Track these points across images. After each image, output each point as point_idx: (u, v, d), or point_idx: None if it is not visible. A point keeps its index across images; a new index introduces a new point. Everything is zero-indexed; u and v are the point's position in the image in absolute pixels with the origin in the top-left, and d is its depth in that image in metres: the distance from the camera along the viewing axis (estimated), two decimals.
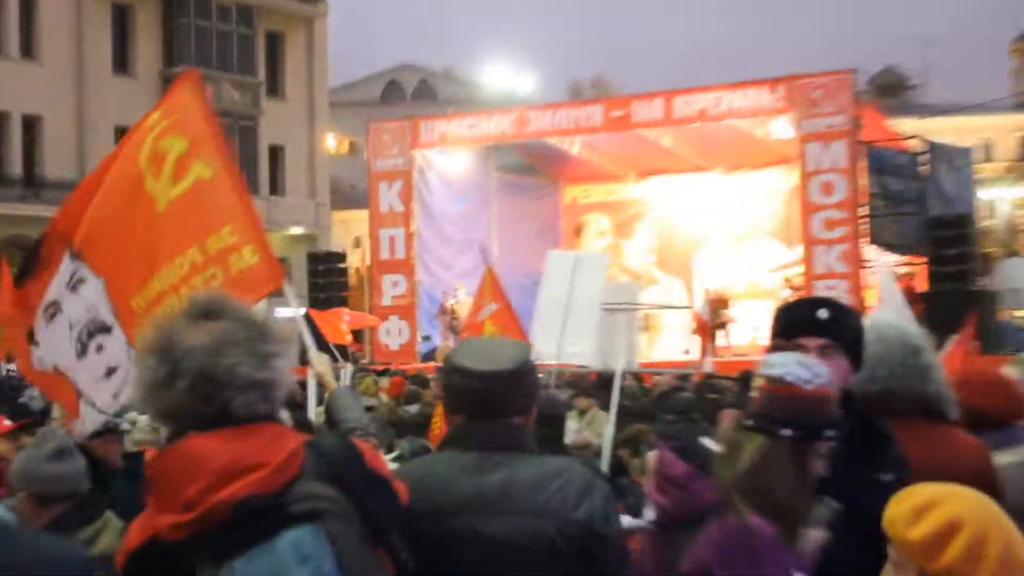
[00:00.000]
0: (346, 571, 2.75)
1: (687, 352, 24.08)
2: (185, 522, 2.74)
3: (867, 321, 4.39)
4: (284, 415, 3.06)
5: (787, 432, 3.35)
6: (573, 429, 9.32)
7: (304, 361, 5.39)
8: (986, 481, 3.52)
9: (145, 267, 5.57)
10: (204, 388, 2.82)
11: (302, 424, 5.93)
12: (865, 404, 4.01)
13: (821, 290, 25.02)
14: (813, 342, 3.75)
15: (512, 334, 11.67)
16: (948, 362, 11.92)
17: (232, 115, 45.96)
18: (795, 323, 3.85)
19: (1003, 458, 4.24)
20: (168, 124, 5.81)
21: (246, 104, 47.09)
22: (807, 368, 3.45)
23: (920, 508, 2.49)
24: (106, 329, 5.65)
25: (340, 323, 22.17)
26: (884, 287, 14.36)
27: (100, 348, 5.65)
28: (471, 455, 3.42)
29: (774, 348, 3.78)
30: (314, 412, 9.48)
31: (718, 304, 27.69)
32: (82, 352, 5.63)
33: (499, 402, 3.43)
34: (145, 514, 2.85)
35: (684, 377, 19.62)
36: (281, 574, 2.69)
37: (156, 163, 5.72)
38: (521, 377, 3.45)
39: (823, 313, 3.81)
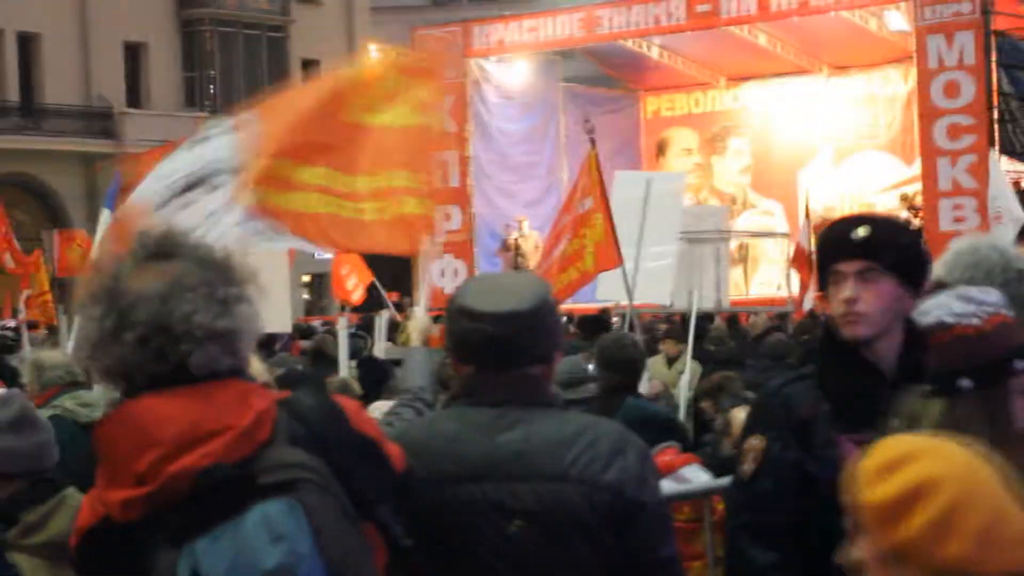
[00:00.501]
0: (325, 550, 2.72)
1: (779, 288, 23.92)
2: (138, 498, 2.72)
3: (961, 242, 4.32)
4: (257, 367, 3.04)
5: (965, 384, 3.21)
6: (646, 379, 9.27)
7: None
8: None
9: (318, 152, 6.28)
10: (156, 341, 2.78)
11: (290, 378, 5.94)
12: None
13: (946, 210, 24.75)
14: (850, 266, 3.68)
15: (603, 251, 11.57)
16: None
17: (258, 26, 46.08)
18: (830, 246, 3.79)
19: None
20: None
21: (274, 12, 47.15)
22: (968, 301, 3.32)
23: (888, 464, 2.28)
24: (211, 186, 6.22)
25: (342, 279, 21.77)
26: (1000, 200, 14.14)
27: (186, 205, 6.18)
28: (482, 411, 3.38)
29: (818, 277, 3.70)
30: (346, 367, 9.55)
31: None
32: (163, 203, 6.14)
33: (515, 349, 3.37)
34: (95, 489, 2.84)
35: (783, 316, 19.55)
36: (250, 555, 2.66)
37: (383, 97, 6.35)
38: (540, 319, 3.39)
39: (860, 232, 3.71)
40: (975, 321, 3.27)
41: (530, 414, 3.37)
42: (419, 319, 5.19)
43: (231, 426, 2.76)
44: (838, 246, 3.74)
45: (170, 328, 2.79)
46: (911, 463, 2.21)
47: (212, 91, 45.09)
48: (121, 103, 43.38)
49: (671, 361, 13.51)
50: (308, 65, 48.00)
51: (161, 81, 44.63)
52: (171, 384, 2.79)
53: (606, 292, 14.13)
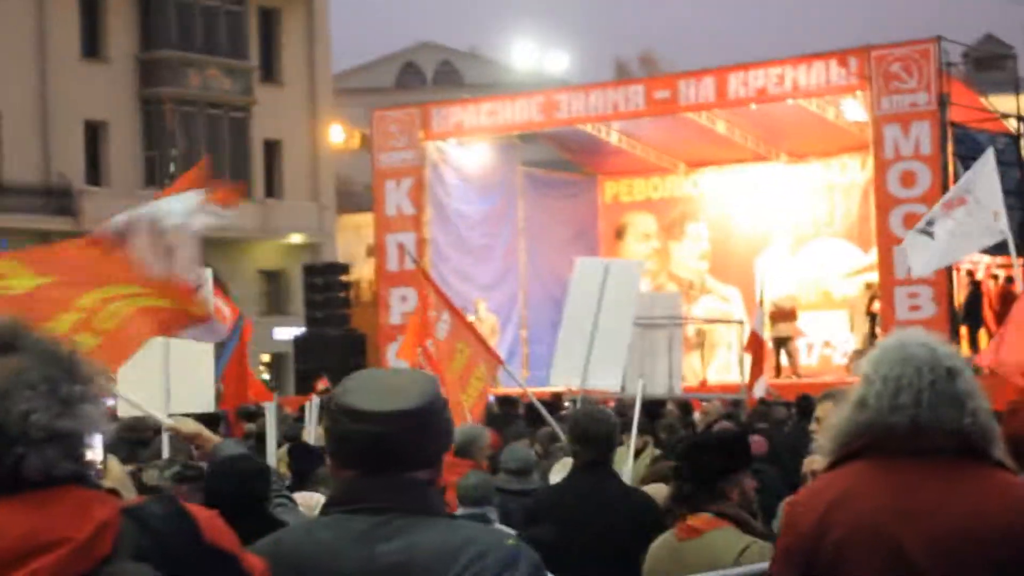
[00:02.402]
0: None
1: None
2: None
3: (888, 338, 4.16)
4: (116, 471, 2.78)
5: None
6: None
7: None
8: None
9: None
10: None
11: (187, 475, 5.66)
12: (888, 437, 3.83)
13: (901, 298, 24.73)
14: None
15: (487, 355, 11.37)
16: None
17: (221, 105, 46.03)
18: None
19: None
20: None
21: (237, 92, 47.14)
22: None
23: None
24: None
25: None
26: (984, 182, 13.85)
27: None
28: (362, 520, 3.14)
29: None
30: (274, 454, 9.28)
31: (781, 316, 27.39)
32: None
33: (400, 452, 3.14)
34: None
35: (737, 403, 19.40)
36: None
37: None
38: (428, 419, 3.17)
39: None
40: None
41: (413, 523, 3.14)
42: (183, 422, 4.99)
43: (69, 538, 2.52)
44: None
45: (4, 428, 2.56)
46: None
47: (172, 170, 44.91)
48: (81, 181, 43.20)
49: (637, 454, 13.28)
50: (270, 145, 47.99)
51: (121, 159, 44.48)
52: (5, 491, 2.56)
53: (559, 377, 13.96)
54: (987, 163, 14.15)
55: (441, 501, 3.25)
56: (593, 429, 7.16)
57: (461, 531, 3.17)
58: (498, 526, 6.74)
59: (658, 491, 8.47)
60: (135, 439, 12.12)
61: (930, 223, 13.95)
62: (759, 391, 19.09)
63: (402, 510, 3.15)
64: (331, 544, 3.14)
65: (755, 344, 21.28)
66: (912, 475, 3.85)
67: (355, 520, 3.15)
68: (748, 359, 21.35)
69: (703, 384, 27.88)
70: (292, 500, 6.29)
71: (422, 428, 3.17)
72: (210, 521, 2.73)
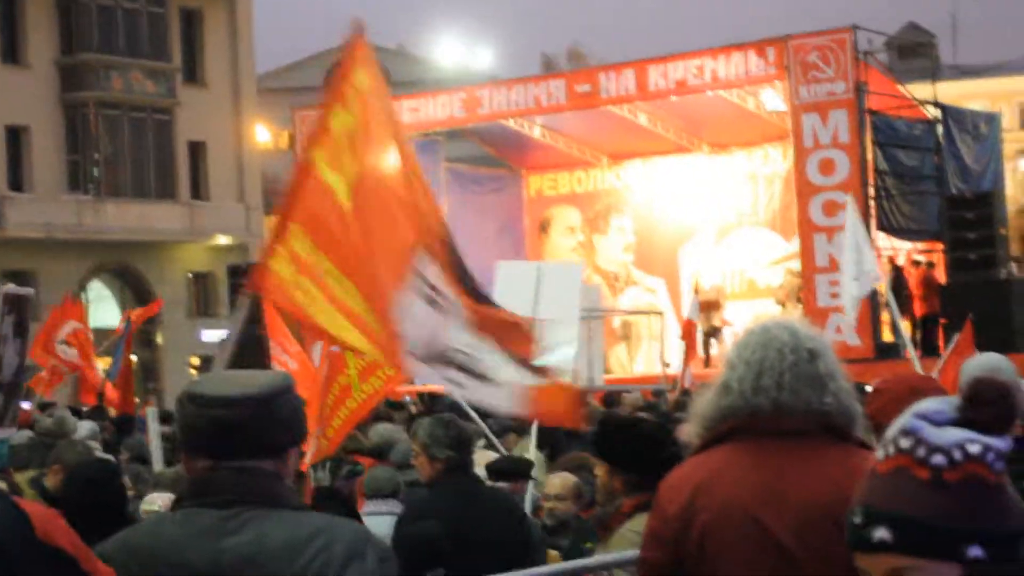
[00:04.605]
0: None
1: (667, 365, 23.88)
2: None
3: (753, 323, 4.19)
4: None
5: None
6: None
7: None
8: None
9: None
10: None
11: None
12: (751, 420, 3.87)
13: (822, 286, 24.87)
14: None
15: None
16: (946, 367, 11.71)
17: (144, 108, 45.66)
18: None
19: None
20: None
21: (160, 94, 46.76)
22: None
23: None
24: None
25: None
26: (847, 242, 13.98)
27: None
28: (210, 514, 3.13)
29: None
30: (159, 458, 9.08)
31: (708, 307, 27.49)
32: None
33: (243, 438, 3.13)
34: None
35: (659, 394, 19.45)
36: None
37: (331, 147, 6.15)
38: (274, 407, 3.16)
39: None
40: None
41: (261, 515, 3.13)
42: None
43: None
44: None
45: None
46: None
47: (96, 174, 44.55)
48: (3, 186, 42.75)
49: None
50: (195, 146, 47.67)
51: (44, 164, 44.00)
52: None
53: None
54: (848, 222, 14.29)
55: (291, 493, 3.24)
56: (448, 434, 7.13)
57: (309, 522, 3.16)
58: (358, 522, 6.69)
59: (564, 481, 8.49)
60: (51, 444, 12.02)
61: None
62: (687, 380, 19.13)
63: (250, 503, 3.14)
64: (178, 539, 3.12)
65: (689, 332, 21.37)
66: (776, 456, 3.87)
67: (203, 514, 3.14)
68: (681, 348, 21.41)
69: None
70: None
71: (265, 415, 3.16)
72: (45, 519, 2.69)
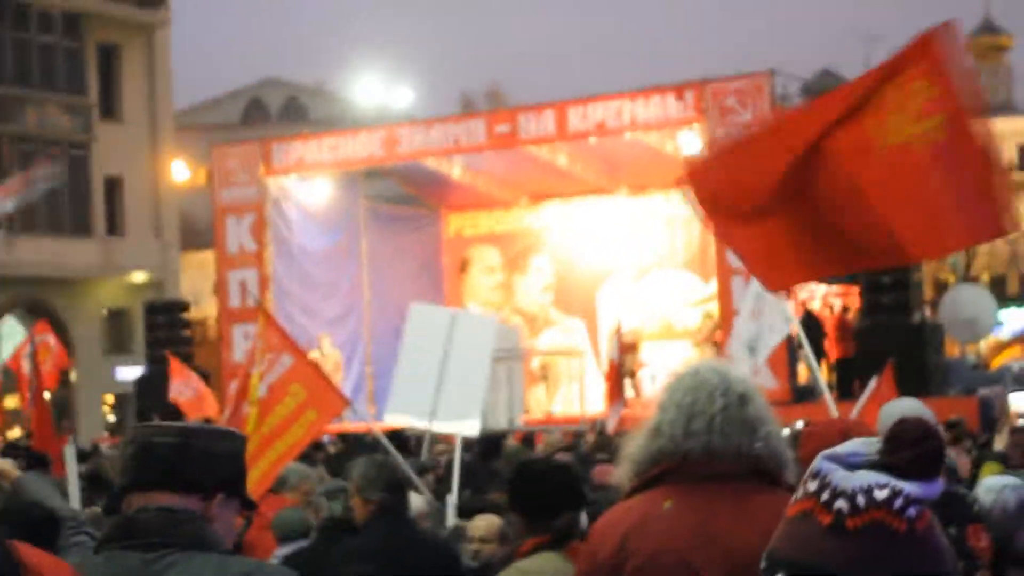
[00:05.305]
0: None
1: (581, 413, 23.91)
2: None
3: (683, 365, 4.19)
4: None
5: None
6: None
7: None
8: None
9: None
10: None
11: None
12: (683, 463, 3.86)
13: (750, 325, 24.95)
14: None
15: (325, 398, 11.19)
16: (864, 411, 11.79)
17: (59, 143, 45.21)
18: None
19: None
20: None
21: (76, 129, 46.31)
22: None
23: None
24: None
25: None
26: (759, 288, 14.06)
27: None
28: (135, 556, 3.11)
29: None
30: (76, 499, 8.95)
31: (624, 349, 27.54)
32: None
33: (163, 468, 3.17)
34: None
35: (579, 435, 19.44)
36: None
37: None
38: (194, 441, 3.21)
39: None
40: None
41: (187, 557, 3.10)
42: None
43: None
44: None
45: None
46: None
47: (10, 208, 43.99)
48: None
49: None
50: (111, 182, 47.25)
51: None
52: None
53: (396, 415, 13.72)
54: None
55: (217, 537, 3.19)
56: (381, 475, 7.07)
57: (237, 566, 3.13)
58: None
59: (489, 523, 8.45)
60: None
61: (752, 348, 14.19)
62: (611, 424, 19.08)
63: (176, 545, 3.11)
64: None
65: (613, 373, 21.37)
66: (707, 500, 3.88)
67: (129, 556, 3.11)
68: (603, 390, 21.41)
69: (548, 417, 27.94)
70: (93, 537, 6.19)
71: (185, 448, 3.19)
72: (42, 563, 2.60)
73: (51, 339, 20.62)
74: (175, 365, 22.92)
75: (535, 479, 5.59)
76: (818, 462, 2.21)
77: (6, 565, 2.55)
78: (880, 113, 6.35)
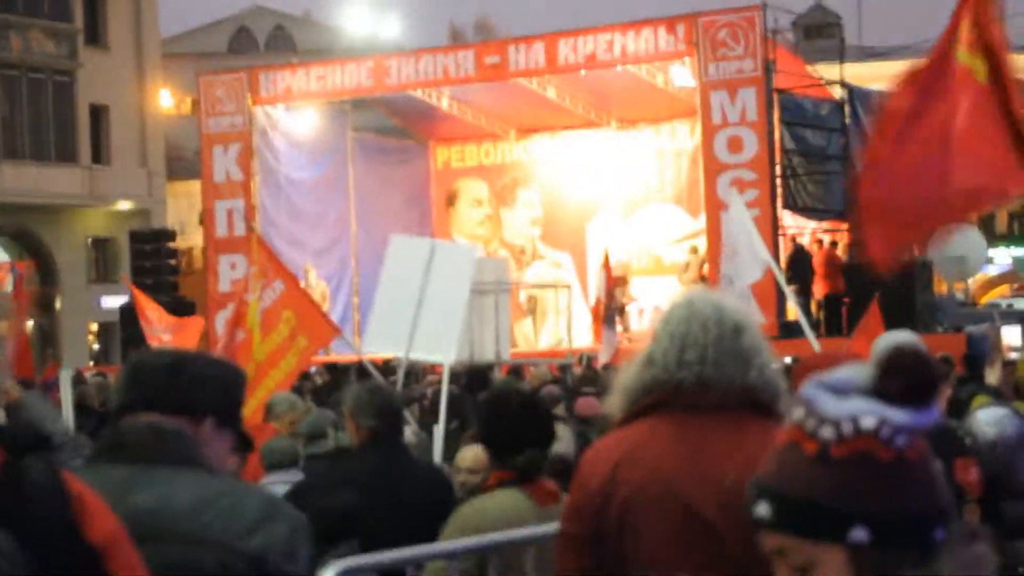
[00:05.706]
0: None
1: (559, 342, 23.95)
2: None
3: (677, 295, 4.16)
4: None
5: None
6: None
7: None
8: None
9: None
10: None
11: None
12: (675, 393, 3.82)
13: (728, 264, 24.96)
14: None
15: (316, 326, 11.19)
16: (854, 345, 11.81)
17: (44, 70, 44.94)
18: None
19: None
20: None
21: (61, 56, 46.01)
22: None
23: None
24: None
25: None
26: (735, 228, 14.06)
27: None
28: (122, 469, 3.16)
29: None
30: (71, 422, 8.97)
31: (617, 282, 27.57)
32: None
33: (158, 393, 3.23)
34: None
35: (565, 368, 19.46)
36: None
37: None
38: (184, 365, 3.30)
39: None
40: None
41: (172, 473, 3.16)
42: None
43: None
44: None
45: None
46: None
47: None
48: None
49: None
50: (97, 110, 47.00)
51: None
52: None
53: (373, 345, 13.70)
54: (735, 209, 14.41)
55: (205, 456, 3.24)
56: (373, 401, 7.04)
57: (219, 483, 3.20)
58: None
59: (476, 454, 8.44)
60: None
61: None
62: (603, 357, 19.11)
63: (163, 461, 3.17)
64: None
65: (600, 307, 21.41)
66: (699, 431, 3.85)
67: (115, 469, 3.16)
68: (589, 324, 21.45)
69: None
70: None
71: (177, 370, 3.27)
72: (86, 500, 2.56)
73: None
74: (140, 300, 21.05)
75: (501, 414, 5.55)
76: (808, 388, 2.14)
77: (58, 493, 2.52)
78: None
